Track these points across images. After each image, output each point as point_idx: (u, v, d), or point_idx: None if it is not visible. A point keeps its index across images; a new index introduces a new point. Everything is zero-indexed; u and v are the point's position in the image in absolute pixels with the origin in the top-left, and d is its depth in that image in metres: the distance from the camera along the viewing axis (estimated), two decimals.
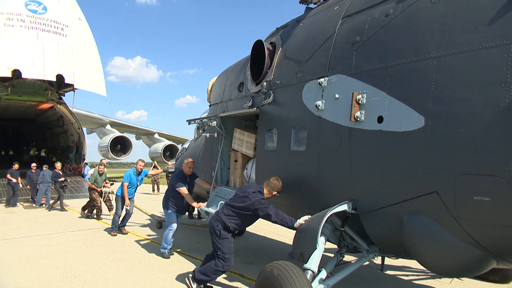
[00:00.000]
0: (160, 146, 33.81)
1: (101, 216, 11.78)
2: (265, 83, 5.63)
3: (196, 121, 7.72)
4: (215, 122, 6.58)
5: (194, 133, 9.87)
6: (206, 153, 7.97)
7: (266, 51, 5.67)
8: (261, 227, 9.19)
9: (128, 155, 31.55)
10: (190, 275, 5.28)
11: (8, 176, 14.90)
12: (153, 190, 21.18)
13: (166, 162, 28.47)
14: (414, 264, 6.13)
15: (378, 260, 5.68)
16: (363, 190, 3.99)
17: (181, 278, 5.79)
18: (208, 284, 5.31)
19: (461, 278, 5.65)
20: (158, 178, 21.66)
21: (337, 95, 4.31)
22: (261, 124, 5.77)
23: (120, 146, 30.78)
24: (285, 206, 5.17)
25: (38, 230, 9.80)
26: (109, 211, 11.53)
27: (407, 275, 6.15)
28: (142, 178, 9.50)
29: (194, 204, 6.88)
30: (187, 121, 7.97)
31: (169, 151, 33.03)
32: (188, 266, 6.43)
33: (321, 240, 4.08)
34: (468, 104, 3.12)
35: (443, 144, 3.25)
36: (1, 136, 34.49)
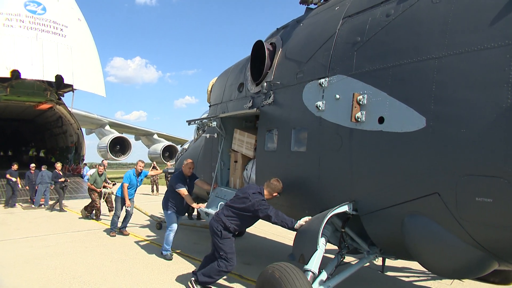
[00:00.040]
0: (159, 146, 33.80)
1: (100, 217, 11.75)
2: (265, 84, 5.61)
3: (196, 122, 7.70)
4: (215, 123, 6.57)
5: (194, 133, 9.86)
6: (206, 154, 7.95)
7: (266, 52, 5.65)
8: (261, 228, 9.16)
9: (127, 156, 31.53)
10: (193, 278, 5.19)
11: (8, 176, 14.88)
12: (153, 191, 21.12)
13: (165, 162, 28.41)
14: (414, 265, 6.11)
15: (378, 261, 5.68)
16: (364, 191, 3.97)
17: (180, 279, 5.76)
18: (208, 286, 5.27)
19: (462, 280, 5.63)
20: (158, 178, 21.62)
21: (337, 96, 4.30)
22: (261, 125, 5.75)
23: (119, 146, 30.76)
24: (286, 207, 5.15)
25: (37, 231, 9.76)
26: (109, 211, 11.50)
27: (407, 276, 6.13)
28: (142, 179, 9.47)
29: (194, 205, 6.86)
30: (187, 121, 7.95)
31: (168, 152, 33.03)
32: (188, 267, 6.40)
33: (321, 241, 4.06)
34: (470, 104, 3.10)
35: (445, 144, 3.24)
36: (0, 136, 34.47)
